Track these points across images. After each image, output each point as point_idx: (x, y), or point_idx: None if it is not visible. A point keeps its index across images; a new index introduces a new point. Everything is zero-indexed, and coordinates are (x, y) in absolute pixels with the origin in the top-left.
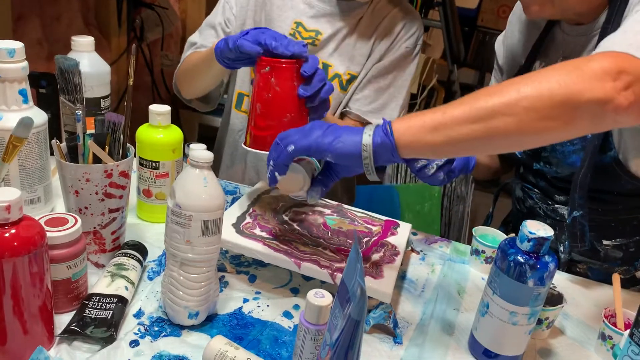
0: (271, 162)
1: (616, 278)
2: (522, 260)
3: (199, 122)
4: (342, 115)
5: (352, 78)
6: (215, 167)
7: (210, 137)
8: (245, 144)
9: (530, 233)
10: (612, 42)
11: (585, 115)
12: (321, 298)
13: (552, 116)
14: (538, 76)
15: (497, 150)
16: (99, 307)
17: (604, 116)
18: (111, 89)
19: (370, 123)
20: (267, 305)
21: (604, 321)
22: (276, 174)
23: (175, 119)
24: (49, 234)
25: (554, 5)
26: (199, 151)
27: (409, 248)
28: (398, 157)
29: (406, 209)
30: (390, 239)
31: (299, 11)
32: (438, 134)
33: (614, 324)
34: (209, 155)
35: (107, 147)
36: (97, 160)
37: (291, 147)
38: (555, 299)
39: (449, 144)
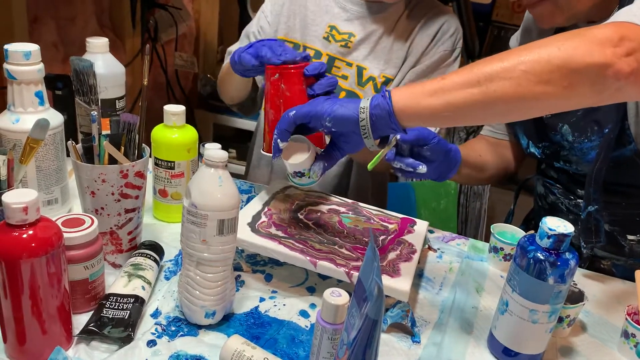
0: (275, 131)
1: (638, 274)
2: (542, 257)
3: (214, 122)
4: None
5: (387, 81)
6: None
7: (225, 137)
8: (263, 150)
9: (550, 229)
10: (617, 15)
11: (584, 80)
12: (338, 297)
13: (550, 80)
14: (539, 43)
15: (497, 117)
16: (116, 307)
17: (604, 82)
18: (126, 89)
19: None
20: (284, 305)
21: (626, 319)
22: (279, 141)
23: (190, 119)
24: (66, 235)
25: (563, 12)
26: (214, 150)
27: (426, 246)
28: (396, 122)
29: (422, 205)
30: (407, 237)
31: (333, 15)
32: (437, 98)
33: (637, 322)
34: (223, 155)
35: (122, 148)
36: (112, 160)
37: (292, 112)
38: (576, 297)
39: (447, 109)
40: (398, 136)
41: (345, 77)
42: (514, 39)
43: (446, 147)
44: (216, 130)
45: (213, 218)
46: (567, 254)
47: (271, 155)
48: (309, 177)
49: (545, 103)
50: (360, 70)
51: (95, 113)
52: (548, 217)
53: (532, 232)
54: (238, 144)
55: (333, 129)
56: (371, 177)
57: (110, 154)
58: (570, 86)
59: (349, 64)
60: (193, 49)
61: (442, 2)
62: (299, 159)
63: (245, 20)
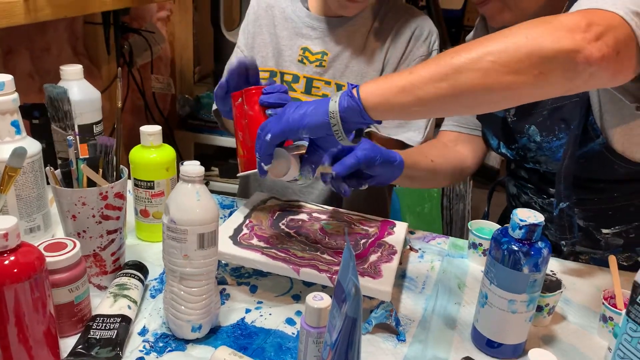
0: (257, 155)
1: (612, 260)
2: (515, 248)
3: (195, 141)
4: (370, 136)
5: None
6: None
7: (207, 155)
8: (239, 172)
9: (521, 220)
10: (579, 4)
11: (555, 68)
12: (320, 300)
13: (520, 69)
14: (506, 32)
15: (468, 109)
16: (103, 328)
17: (576, 69)
18: (104, 114)
19: (400, 141)
20: (270, 314)
21: (603, 303)
22: (262, 164)
23: (171, 140)
24: (48, 259)
25: (511, 9)
26: (190, 166)
27: (407, 247)
28: (369, 118)
29: (407, 211)
30: (387, 239)
31: (304, 36)
32: (406, 94)
33: (614, 305)
34: (199, 170)
35: (100, 170)
36: (91, 184)
37: (268, 136)
38: (554, 285)
39: (418, 104)
40: (333, 173)
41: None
42: (469, 37)
43: (390, 160)
44: (197, 149)
45: (193, 232)
46: (539, 243)
47: (243, 173)
48: (302, 180)
49: (516, 93)
50: (339, 88)
51: (71, 138)
52: (519, 209)
53: (506, 225)
54: (220, 161)
55: (311, 137)
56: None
57: (89, 177)
58: (541, 74)
59: (327, 82)
60: (169, 71)
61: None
62: (284, 171)
63: (219, 39)
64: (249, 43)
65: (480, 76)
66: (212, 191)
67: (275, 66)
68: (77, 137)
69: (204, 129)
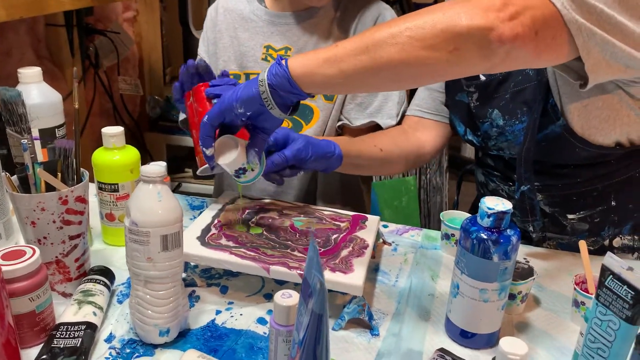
0: (199, 142)
1: (583, 244)
2: (484, 236)
3: (166, 143)
4: (342, 130)
5: None
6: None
7: (179, 157)
8: (198, 170)
9: (489, 209)
10: None
11: (469, 44)
12: (288, 298)
13: (435, 45)
14: (426, 9)
15: (388, 83)
16: (67, 337)
17: (489, 46)
18: (70, 118)
19: (374, 122)
20: (241, 314)
21: (575, 288)
22: (204, 149)
23: (141, 142)
24: (4, 268)
25: None
26: (150, 166)
27: (380, 240)
28: (298, 88)
29: (384, 205)
30: (359, 233)
31: (265, 33)
32: (330, 66)
33: (586, 290)
34: (159, 169)
35: (59, 174)
36: (51, 188)
37: (206, 117)
38: (526, 273)
39: (340, 76)
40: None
41: None
42: None
43: (325, 155)
44: (169, 151)
45: (155, 234)
46: (508, 230)
47: (201, 168)
48: (252, 170)
49: (433, 68)
50: None
51: (27, 141)
52: (487, 197)
53: (475, 214)
54: (193, 162)
55: (247, 113)
56: (339, 181)
57: (48, 182)
58: (455, 50)
59: None
60: (138, 72)
61: (385, 2)
62: (232, 155)
63: (188, 39)
64: (210, 50)
65: (397, 50)
66: (185, 193)
67: (238, 69)
68: (34, 140)
69: (176, 130)
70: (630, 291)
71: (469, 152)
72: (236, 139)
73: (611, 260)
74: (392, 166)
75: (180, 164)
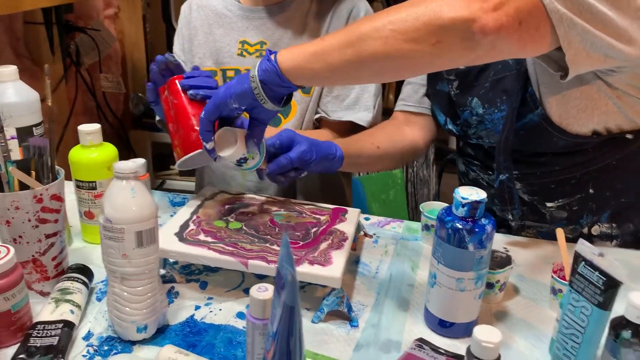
0: (201, 138)
1: (560, 232)
2: (459, 226)
3: (151, 140)
4: (320, 122)
5: None
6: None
7: (165, 154)
8: (176, 164)
9: (463, 198)
10: None
11: (452, 36)
12: (264, 292)
13: (418, 38)
14: (409, 2)
15: (373, 76)
16: (44, 335)
17: (473, 38)
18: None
19: (351, 122)
20: (220, 309)
21: (552, 276)
22: (205, 143)
23: (125, 140)
24: None
25: None
26: (123, 162)
27: (361, 233)
28: (288, 81)
29: (372, 199)
30: (339, 226)
31: (240, 29)
32: (316, 60)
33: (563, 278)
34: (132, 165)
35: (33, 173)
36: (25, 187)
37: (203, 113)
38: (504, 262)
39: (327, 69)
40: (267, 170)
41: None
42: None
43: (328, 156)
44: (154, 148)
45: (130, 231)
46: (483, 220)
47: (179, 160)
48: (252, 158)
49: (417, 61)
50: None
51: None
52: (461, 187)
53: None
54: None
55: (242, 107)
56: (319, 176)
57: (22, 181)
58: (438, 43)
59: None
60: (121, 70)
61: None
62: (231, 148)
63: (172, 35)
64: (186, 47)
65: (381, 44)
66: (170, 190)
67: (214, 65)
68: (12, 139)
69: (160, 128)
70: (601, 277)
71: (453, 144)
72: (235, 131)
73: (583, 247)
74: (388, 162)
75: (165, 161)
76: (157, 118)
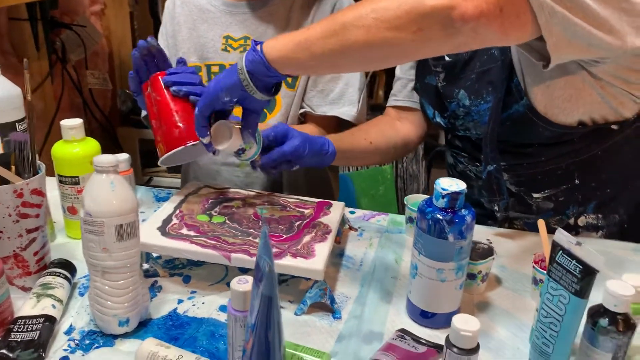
0: (196, 133)
1: (541, 223)
2: (439, 217)
3: (139, 137)
4: (305, 117)
5: None
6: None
7: (153, 151)
8: (159, 160)
9: (443, 189)
10: None
11: (433, 23)
12: (245, 284)
13: (399, 26)
14: None
15: (358, 64)
16: (25, 330)
17: (453, 25)
18: (37, 113)
19: (336, 117)
20: (203, 303)
21: (534, 266)
22: (201, 139)
23: (113, 136)
24: None
25: None
26: (102, 156)
27: (347, 226)
28: (275, 71)
29: (362, 194)
30: (323, 219)
31: (223, 24)
32: (302, 49)
33: (544, 268)
34: (112, 159)
35: (12, 167)
36: (4, 182)
37: (196, 110)
38: (486, 253)
39: (312, 58)
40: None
41: None
42: None
43: (320, 152)
44: (142, 145)
45: (110, 224)
46: (462, 210)
47: (162, 157)
48: (250, 148)
49: (399, 49)
50: None
51: None
52: (441, 178)
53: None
54: None
55: (234, 99)
56: (305, 172)
57: (1, 175)
58: (419, 30)
59: None
60: (108, 66)
61: None
62: (227, 137)
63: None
64: (170, 43)
65: (363, 32)
66: (158, 186)
67: (198, 60)
68: None
69: (148, 125)
70: (578, 265)
71: (442, 139)
72: (229, 123)
73: (561, 236)
74: (381, 157)
75: (153, 158)
76: (143, 114)
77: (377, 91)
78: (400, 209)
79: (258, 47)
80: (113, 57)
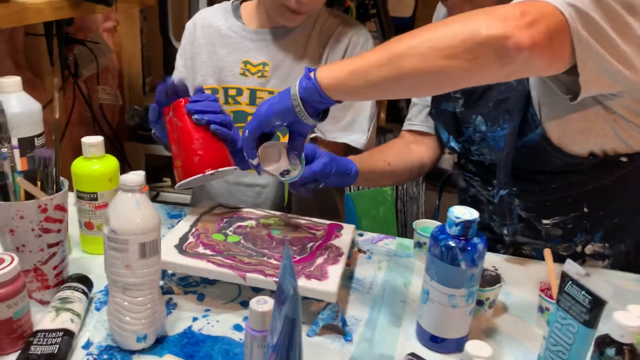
0: (245, 154)
1: (547, 252)
2: (452, 244)
3: (145, 153)
4: (315, 141)
5: None
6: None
7: (158, 167)
8: (176, 185)
9: (457, 217)
10: None
11: (488, 52)
12: (264, 304)
13: (454, 54)
14: (446, 21)
15: (411, 91)
16: (44, 343)
17: (508, 54)
18: (50, 127)
19: (345, 144)
20: (217, 321)
21: (540, 294)
22: (250, 160)
23: (120, 151)
24: None
25: (473, 4)
26: (129, 175)
27: (356, 248)
28: (328, 98)
29: (362, 215)
30: (335, 242)
31: (243, 49)
32: (357, 77)
33: (550, 296)
34: (138, 179)
35: (38, 183)
36: (30, 197)
37: (246, 132)
38: (493, 280)
39: (367, 85)
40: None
41: None
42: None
43: (345, 171)
44: (148, 160)
45: (134, 242)
46: (475, 239)
47: (180, 182)
48: (294, 169)
49: (453, 76)
50: None
51: (7, 150)
52: (455, 206)
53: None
54: (171, 172)
55: (284, 123)
56: (313, 191)
57: (27, 191)
58: (474, 59)
59: (271, 92)
60: (117, 82)
61: (364, 17)
62: (276, 159)
63: (169, 49)
64: (188, 64)
65: (419, 61)
66: (164, 202)
67: (216, 83)
68: (14, 149)
69: (154, 140)
70: (587, 296)
71: (445, 162)
72: (278, 145)
73: (570, 267)
74: (397, 178)
75: (159, 174)
76: (153, 131)
77: (378, 114)
78: (400, 230)
79: (312, 75)
80: (123, 73)
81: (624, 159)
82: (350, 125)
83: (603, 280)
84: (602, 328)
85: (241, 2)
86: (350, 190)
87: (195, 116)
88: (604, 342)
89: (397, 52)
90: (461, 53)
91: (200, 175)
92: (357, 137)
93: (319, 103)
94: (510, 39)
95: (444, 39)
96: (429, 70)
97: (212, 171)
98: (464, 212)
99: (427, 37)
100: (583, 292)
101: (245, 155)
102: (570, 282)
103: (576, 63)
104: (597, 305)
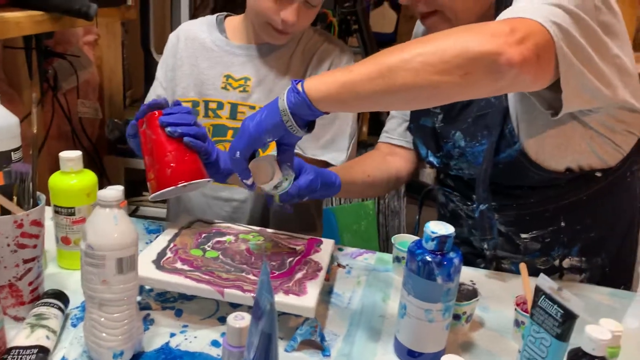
0: (238, 175)
1: (523, 267)
2: (429, 259)
3: (125, 166)
4: None
5: None
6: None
7: (138, 181)
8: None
9: (433, 232)
10: (503, 14)
11: (479, 68)
12: (241, 320)
13: (446, 70)
14: (436, 35)
15: (402, 104)
16: None
17: (499, 70)
18: (28, 141)
19: (324, 161)
20: (195, 337)
21: (515, 309)
22: (244, 181)
23: (99, 165)
24: None
25: (451, 23)
26: (107, 190)
27: (335, 263)
28: (317, 110)
29: (344, 229)
30: (314, 257)
31: (225, 64)
32: (346, 90)
33: (526, 310)
34: (116, 194)
35: (15, 198)
36: (6, 212)
37: (237, 153)
38: (470, 294)
39: (356, 98)
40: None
41: None
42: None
43: (328, 184)
44: (128, 174)
45: (111, 257)
46: (451, 253)
47: (153, 194)
48: (286, 180)
49: (445, 91)
50: None
51: None
52: (431, 222)
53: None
54: None
55: (275, 138)
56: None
57: (2, 205)
58: (467, 75)
59: (252, 107)
60: (98, 95)
61: (346, 33)
62: (270, 174)
63: (150, 62)
64: (169, 76)
65: (411, 75)
66: (143, 216)
67: (197, 96)
68: None
69: (135, 154)
70: (560, 310)
71: (426, 176)
72: (268, 159)
73: (543, 281)
74: (376, 190)
75: (139, 187)
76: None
77: (361, 127)
78: (382, 245)
79: (299, 87)
80: (103, 87)
81: (599, 174)
82: (331, 144)
83: (577, 294)
84: (575, 342)
85: (225, 17)
86: (331, 205)
87: (168, 128)
88: (577, 355)
89: (387, 65)
90: (454, 68)
91: (173, 187)
92: (337, 155)
93: (307, 115)
94: (501, 55)
95: (435, 55)
96: (421, 84)
97: (185, 183)
98: (440, 227)
99: (417, 52)
100: (555, 306)
101: (239, 177)
102: (543, 296)
103: (559, 79)
104: (568, 318)
